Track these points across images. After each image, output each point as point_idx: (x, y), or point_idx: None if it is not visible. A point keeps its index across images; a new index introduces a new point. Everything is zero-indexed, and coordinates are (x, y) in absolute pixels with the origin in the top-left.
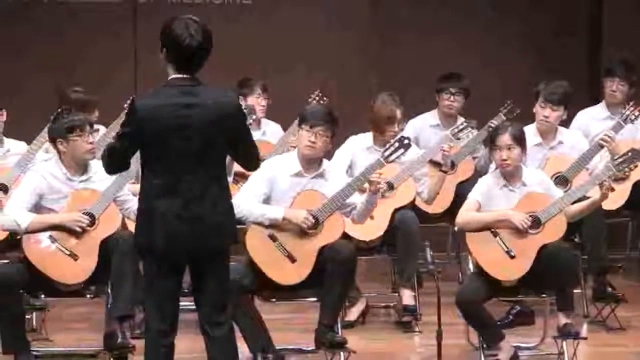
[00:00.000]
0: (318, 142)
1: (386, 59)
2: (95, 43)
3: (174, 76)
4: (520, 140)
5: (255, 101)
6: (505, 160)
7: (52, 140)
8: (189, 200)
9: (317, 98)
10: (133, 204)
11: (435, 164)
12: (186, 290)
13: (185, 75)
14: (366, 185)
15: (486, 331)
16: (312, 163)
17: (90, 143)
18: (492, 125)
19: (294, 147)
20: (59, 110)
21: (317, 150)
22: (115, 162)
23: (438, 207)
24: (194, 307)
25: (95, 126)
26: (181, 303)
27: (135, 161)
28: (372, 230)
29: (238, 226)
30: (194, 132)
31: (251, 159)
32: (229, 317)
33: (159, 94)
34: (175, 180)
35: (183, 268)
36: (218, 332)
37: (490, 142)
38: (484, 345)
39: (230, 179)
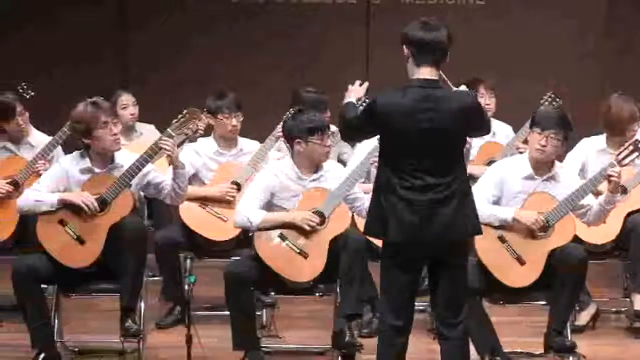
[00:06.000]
0: (548, 145)
1: (621, 64)
2: (328, 43)
3: (416, 77)
4: None
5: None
6: None
7: (290, 139)
8: (427, 198)
9: (549, 99)
10: (364, 202)
11: None
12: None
13: (427, 77)
14: (601, 187)
15: None
16: (542, 165)
17: (328, 146)
18: None
19: (521, 151)
20: (293, 109)
21: (546, 154)
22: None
23: None
24: (421, 307)
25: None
26: None
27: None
28: (604, 233)
29: None
30: (434, 133)
31: None
32: (464, 319)
33: (400, 93)
34: (414, 177)
35: (420, 266)
36: (452, 333)
37: None
38: None
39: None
